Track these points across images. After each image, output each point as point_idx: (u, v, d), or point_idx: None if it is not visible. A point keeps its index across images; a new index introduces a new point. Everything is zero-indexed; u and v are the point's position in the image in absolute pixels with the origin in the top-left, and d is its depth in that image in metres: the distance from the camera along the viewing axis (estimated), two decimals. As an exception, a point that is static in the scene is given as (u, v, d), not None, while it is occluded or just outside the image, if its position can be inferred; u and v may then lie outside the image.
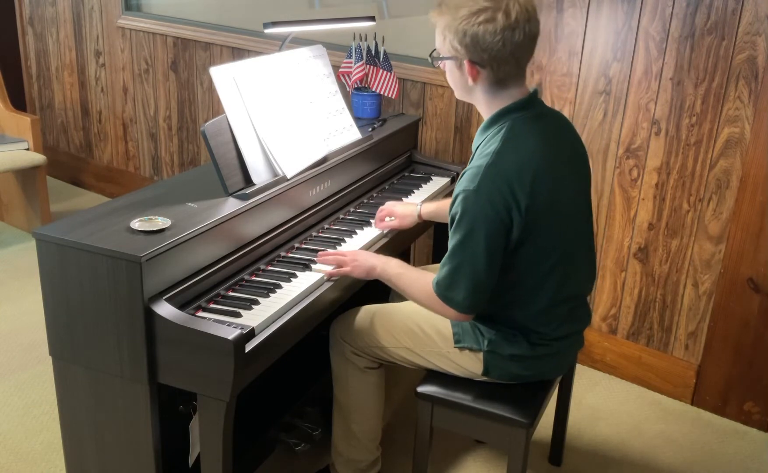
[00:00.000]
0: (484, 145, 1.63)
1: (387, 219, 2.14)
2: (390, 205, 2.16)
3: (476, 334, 1.76)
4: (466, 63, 1.59)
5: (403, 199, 2.37)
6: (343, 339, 1.92)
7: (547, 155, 1.60)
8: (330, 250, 1.90)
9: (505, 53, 1.55)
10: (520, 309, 1.71)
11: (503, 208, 1.55)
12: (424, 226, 2.27)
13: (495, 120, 1.64)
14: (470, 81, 1.61)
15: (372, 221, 2.16)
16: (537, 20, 1.58)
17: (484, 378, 1.79)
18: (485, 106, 1.66)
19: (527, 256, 1.63)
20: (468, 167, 1.62)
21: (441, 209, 2.08)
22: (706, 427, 2.50)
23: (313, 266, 1.85)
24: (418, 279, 1.74)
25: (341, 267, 1.82)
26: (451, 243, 1.62)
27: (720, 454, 2.37)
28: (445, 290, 1.64)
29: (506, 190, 1.55)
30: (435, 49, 1.67)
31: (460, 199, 1.58)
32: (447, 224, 1.69)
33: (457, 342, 1.78)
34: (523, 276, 1.67)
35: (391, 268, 1.80)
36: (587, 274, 1.82)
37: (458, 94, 1.72)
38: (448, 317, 1.72)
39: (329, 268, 1.83)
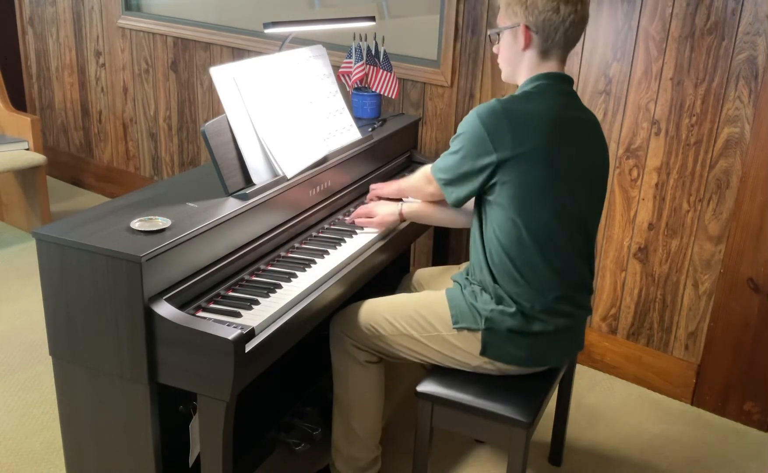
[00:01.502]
0: None
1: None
2: (372, 206, 2.15)
3: (474, 314, 1.79)
4: (521, 27, 1.74)
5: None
6: (344, 332, 1.93)
7: (563, 119, 1.73)
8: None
9: (557, 21, 1.71)
10: (518, 261, 1.74)
11: (493, 129, 1.69)
12: (423, 226, 2.27)
13: (531, 81, 1.78)
14: (522, 46, 1.76)
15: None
16: (587, 8, 1.76)
17: (481, 361, 1.81)
18: (527, 74, 1.80)
19: (518, 195, 1.71)
20: None
21: (422, 209, 2.06)
22: (706, 427, 2.50)
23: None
24: (418, 180, 2.01)
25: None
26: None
27: (720, 454, 2.37)
28: (435, 165, 1.87)
29: (504, 122, 1.69)
30: (493, 28, 1.84)
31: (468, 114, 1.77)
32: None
33: (455, 323, 1.81)
34: (520, 218, 1.72)
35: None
36: (584, 258, 1.84)
37: (506, 72, 1.85)
38: (434, 195, 1.94)
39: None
